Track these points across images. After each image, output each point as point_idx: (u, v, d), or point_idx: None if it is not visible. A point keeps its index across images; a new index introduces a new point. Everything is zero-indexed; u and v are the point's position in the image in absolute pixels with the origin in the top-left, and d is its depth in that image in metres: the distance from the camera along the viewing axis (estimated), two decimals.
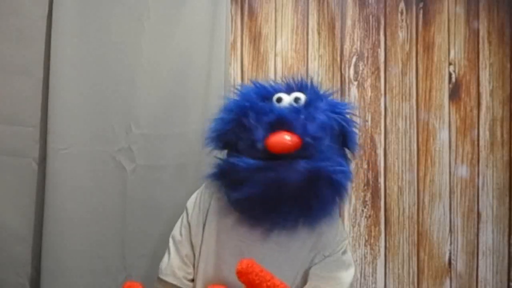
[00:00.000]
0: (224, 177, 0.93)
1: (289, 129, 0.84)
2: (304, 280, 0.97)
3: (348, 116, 0.96)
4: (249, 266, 0.82)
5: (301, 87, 0.97)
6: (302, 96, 0.92)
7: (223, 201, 1.01)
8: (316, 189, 0.87)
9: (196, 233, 1.03)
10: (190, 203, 1.08)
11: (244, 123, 0.89)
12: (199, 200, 1.06)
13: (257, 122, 0.87)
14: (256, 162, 0.85)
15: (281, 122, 0.85)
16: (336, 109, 0.94)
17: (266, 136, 0.84)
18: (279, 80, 1.03)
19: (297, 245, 0.97)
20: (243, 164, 0.86)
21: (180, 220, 1.08)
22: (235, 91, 1.00)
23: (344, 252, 1.00)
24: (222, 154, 1.03)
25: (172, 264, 1.03)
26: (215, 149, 1.00)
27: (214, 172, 0.97)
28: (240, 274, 0.82)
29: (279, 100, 0.92)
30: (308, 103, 0.91)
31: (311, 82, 0.98)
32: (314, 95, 0.94)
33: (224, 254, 0.99)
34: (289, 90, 0.96)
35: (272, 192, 0.85)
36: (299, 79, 0.98)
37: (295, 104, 0.91)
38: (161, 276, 1.03)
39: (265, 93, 0.95)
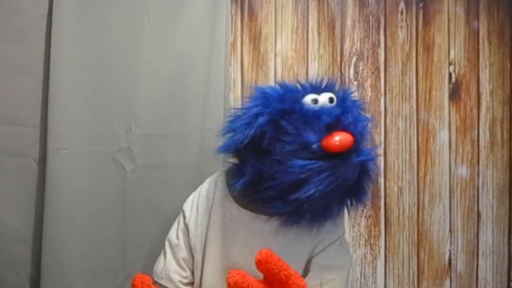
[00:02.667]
0: (270, 180, 0.91)
1: (344, 129, 0.87)
2: (306, 269, 0.99)
3: (365, 113, 1.01)
4: (268, 256, 0.85)
5: (327, 87, 0.99)
6: (334, 96, 0.95)
7: (229, 202, 1.01)
8: (361, 181, 0.93)
9: (195, 236, 1.03)
10: (187, 205, 1.07)
11: (284, 127, 0.90)
12: (197, 203, 1.06)
13: (307, 124, 0.88)
14: (316, 162, 0.86)
15: (337, 122, 0.88)
16: (360, 108, 0.99)
17: (321, 138, 0.87)
18: (298, 81, 1.03)
19: (302, 238, 0.99)
20: (303, 165, 0.86)
21: (176, 223, 1.08)
22: (255, 93, 0.99)
23: (341, 241, 1.04)
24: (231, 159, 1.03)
25: (168, 268, 1.03)
26: (231, 154, 1.00)
27: (247, 178, 0.95)
28: (260, 264, 0.85)
29: (315, 101, 0.93)
30: (341, 103, 0.94)
31: (335, 81, 1.01)
32: (343, 94, 0.97)
33: (233, 254, 0.99)
34: (315, 90, 0.97)
35: (332, 189, 0.88)
36: (323, 79, 1.01)
37: (330, 104, 0.94)
38: (156, 279, 1.03)
39: (295, 95, 0.96)
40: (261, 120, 0.92)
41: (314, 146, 0.86)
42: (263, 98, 0.96)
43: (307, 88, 0.98)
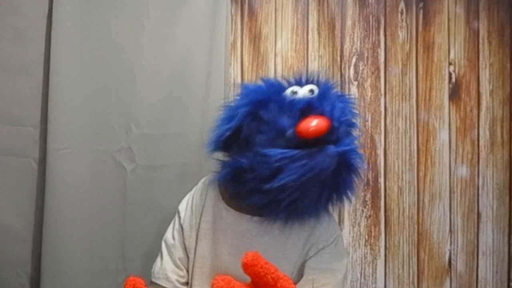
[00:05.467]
0: (250, 172, 0.91)
1: (319, 114, 0.86)
2: (300, 273, 0.98)
3: (351, 107, 1.00)
4: (255, 258, 0.83)
5: (310, 81, 0.99)
6: (315, 88, 0.95)
7: (218, 202, 1.02)
8: (341, 173, 0.90)
9: (190, 236, 1.04)
10: (182, 206, 1.08)
11: (262, 117, 0.90)
12: (191, 203, 1.07)
13: (282, 112, 0.88)
14: (291, 151, 0.85)
15: (311, 108, 0.87)
16: (344, 99, 0.98)
17: (296, 124, 0.85)
18: (284, 76, 1.04)
19: (292, 239, 0.98)
20: (278, 154, 0.86)
21: (172, 223, 1.08)
22: (240, 90, 1.02)
23: (337, 244, 1.01)
24: (220, 156, 1.03)
25: (165, 268, 1.03)
26: (218, 150, 1.00)
27: (228, 171, 0.96)
28: (246, 267, 0.84)
29: (294, 92, 0.94)
30: (321, 94, 0.93)
31: (319, 75, 1.01)
32: (324, 86, 0.97)
33: (222, 254, 0.99)
34: (299, 84, 0.99)
35: (308, 179, 0.86)
36: (307, 73, 1.01)
37: (310, 95, 0.93)
38: (154, 280, 1.04)
39: (276, 88, 0.97)
40: (240, 111, 0.93)
41: (289, 132, 0.85)
42: (245, 93, 0.98)
43: (291, 82, 0.99)
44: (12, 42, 1.17)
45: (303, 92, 0.94)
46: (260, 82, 1.01)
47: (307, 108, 0.87)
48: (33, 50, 1.18)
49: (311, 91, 0.94)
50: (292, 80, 1.00)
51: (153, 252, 1.20)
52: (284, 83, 0.99)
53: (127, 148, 1.23)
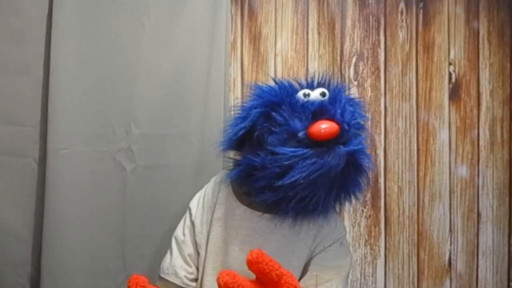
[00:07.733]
0: (262, 170, 0.93)
1: (329, 117, 0.89)
2: (305, 269, 1.00)
3: (361, 110, 1.02)
4: (259, 256, 0.85)
5: (321, 83, 1.02)
6: (326, 91, 0.98)
7: (231, 199, 1.04)
8: (350, 173, 0.93)
9: (201, 232, 1.05)
10: (193, 203, 1.10)
11: (275, 118, 0.92)
12: (203, 200, 1.08)
13: (295, 114, 0.91)
14: (301, 149, 0.88)
15: (323, 111, 0.90)
16: (354, 103, 1.01)
17: (308, 126, 0.89)
18: (296, 79, 1.07)
19: (302, 237, 1.00)
20: (289, 152, 0.88)
21: (182, 220, 1.09)
22: (253, 90, 1.04)
23: (342, 243, 1.04)
24: (233, 155, 1.05)
25: (174, 264, 1.04)
26: (231, 149, 1.03)
27: (241, 169, 0.98)
28: (251, 264, 0.85)
29: (307, 95, 0.96)
30: (332, 97, 0.96)
31: (330, 78, 1.04)
32: (335, 89, 0.99)
33: (234, 250, 1.01)
34: (310, 86, 1.01)
35: (317, 177, 0.88)
36: (318, 76, 1.04)
37: (322, 98, 0.96)
38: (162, 275, 1.05)
39: (288, 90, 0.99)
40: (254, 112, 0.95)
41: (301, 134, 0.88)
42: (259, 93, 1.00)
43: (302, 85, 1.02)
44: (12, 42, 1.17)
45: (315, 94, 0.97)
46: (272, 83, 1.04)
47: (319, 110, 0.90)
48: (33, 50, 1.18)
49: (323, 94, 0.97)
50: (303, 82, 1.03)
51: (154, 252, 1.20)
52: (296, 85, 1.01)
53: (127, 148, 1.23)
